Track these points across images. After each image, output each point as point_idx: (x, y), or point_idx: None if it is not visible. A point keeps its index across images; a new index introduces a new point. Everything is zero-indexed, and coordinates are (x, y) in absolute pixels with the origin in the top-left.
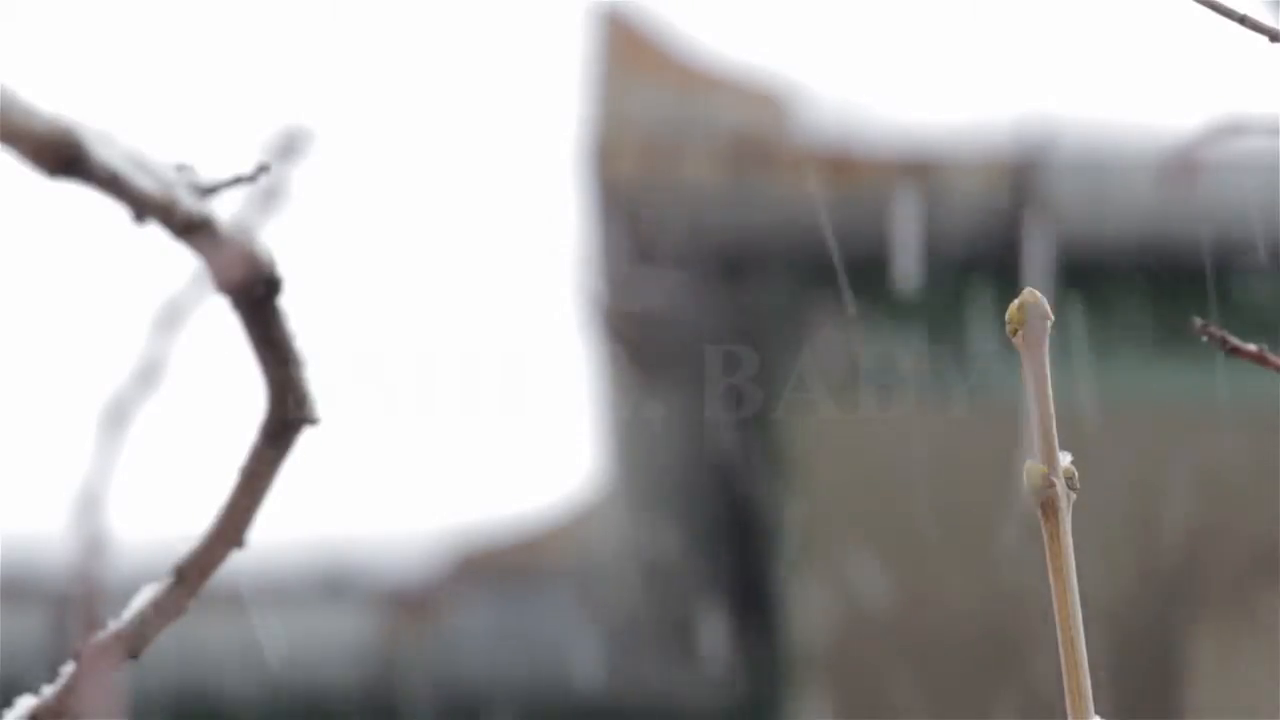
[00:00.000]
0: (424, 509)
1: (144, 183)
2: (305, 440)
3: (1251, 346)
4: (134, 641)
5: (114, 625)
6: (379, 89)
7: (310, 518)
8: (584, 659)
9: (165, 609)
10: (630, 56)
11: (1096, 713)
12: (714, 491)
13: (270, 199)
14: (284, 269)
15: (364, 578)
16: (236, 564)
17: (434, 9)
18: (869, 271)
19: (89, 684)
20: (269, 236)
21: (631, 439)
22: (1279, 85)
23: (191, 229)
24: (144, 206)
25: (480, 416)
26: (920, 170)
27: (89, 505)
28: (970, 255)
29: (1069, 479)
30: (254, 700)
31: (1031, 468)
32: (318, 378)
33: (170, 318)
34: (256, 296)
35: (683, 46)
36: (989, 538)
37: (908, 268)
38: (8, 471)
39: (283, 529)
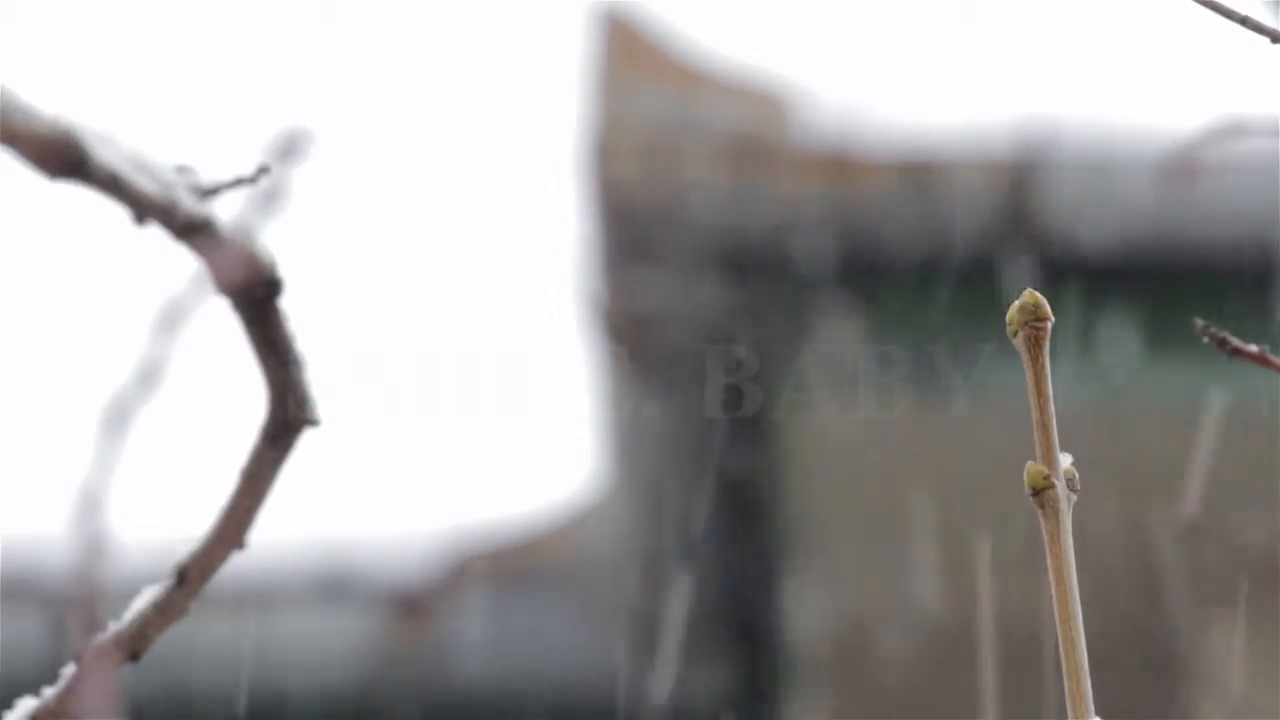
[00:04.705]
0: (424, 510)
1: (145, 184)
2: (306, 441)
3: (1252, 347)
4: (134, 643)
5: (114, 626)
6: (379, 90)
7: (311, 519)
8: (584, 660)
9: (166, 610)
10: (630, 57)
11: (1096, 713)
12: (714, 492)
13: (271, 200)
14: (284, 270)
15: (364, 579)
16: (237, 565)
17: (434, 10)
18: (869, 271)
19: (89, 685)
20: (269, 238)
21: (631, 439)
22: (1279, 87)
23: (192, 230)
24: (145, 208)
25: (480, 417)
26: (920, 170)
27: (90, 506)
28: (970, 255)
29: (1069, 480)
30: (254, 700)
31: (1032, 468)
32: (318, 379)
33: (171, 319)
34: (257, 298)
35: (682, 47)
36: (988, 538)
37: (907, 268)
38: (8, 472)
39: (283, 530)
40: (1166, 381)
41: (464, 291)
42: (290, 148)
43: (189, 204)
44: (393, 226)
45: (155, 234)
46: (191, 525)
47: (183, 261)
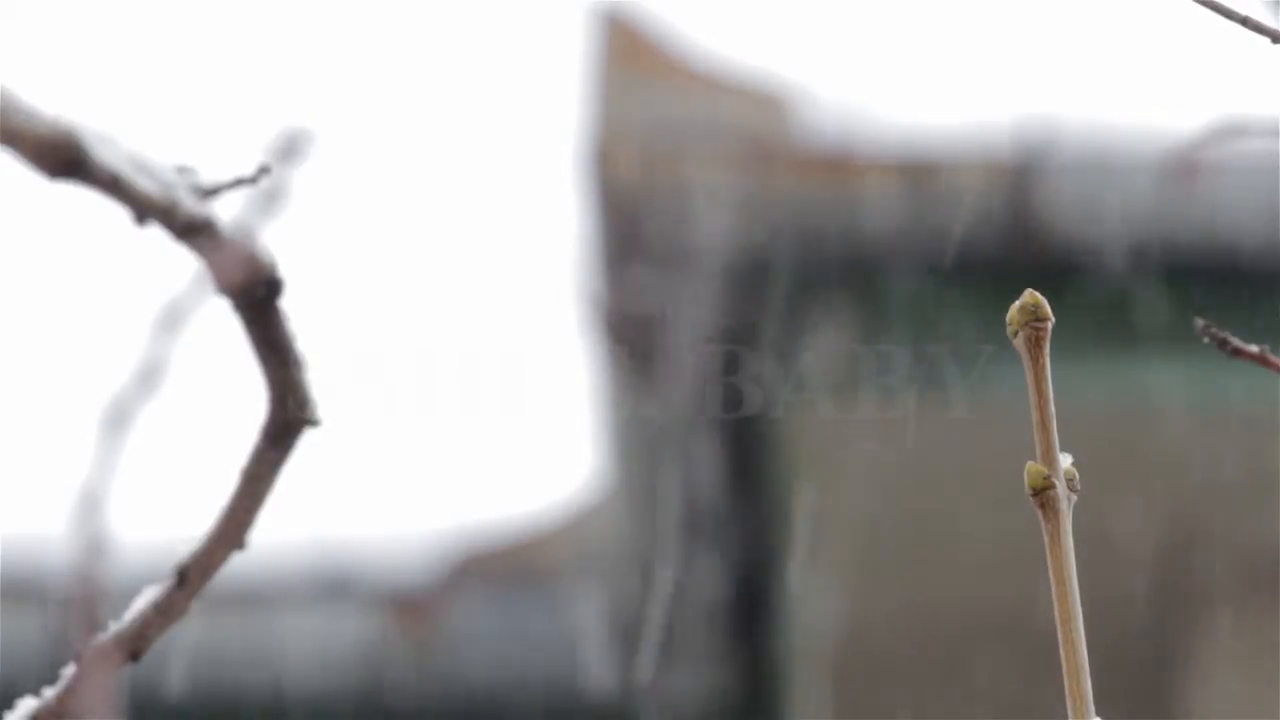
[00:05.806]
0: (424, 509)
1: (145, 184)
2: (306, 441)
3: (1253, 347)
4: (135, 643)
5: (115, 627)
6: (379, 91)
7: (311, 519)
8: (584, 660)
9: (166, 610)
10: (631, 58)
11: (1096, 713)
12: (713, 491)
13: (271, 201)
14: (285, 270)
15: (364, 578)
16: (237, 565)
17: (435, 11)
18: (869, 272)
19: (89, 685)
20: (270, 238)
21: (631, 439)
22: (1279, 87)
23: (192, 231)
24: (145, 208)
25: (480, 417)
26: (920, 171)
27: (90, 506)
28: (970, 255)
29: (1069, 480)
30: (254, 700)
31: (1032, 469)
32: (318, 379)
33: (171, 319)
34: (257, 298)
35: (683, 48)
36: (989, 539)
37: (908, 268)
38: (8, 472)
39: (284, 530)
40: (1166, 381)
41: (464, 291)
42: (290, 148)
43: (189, 204)
44: (393, 227)
45: (155, 234)
46: (191, 525)
47: (183, 261)
